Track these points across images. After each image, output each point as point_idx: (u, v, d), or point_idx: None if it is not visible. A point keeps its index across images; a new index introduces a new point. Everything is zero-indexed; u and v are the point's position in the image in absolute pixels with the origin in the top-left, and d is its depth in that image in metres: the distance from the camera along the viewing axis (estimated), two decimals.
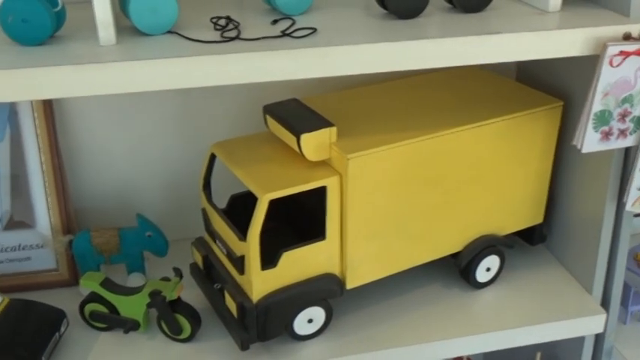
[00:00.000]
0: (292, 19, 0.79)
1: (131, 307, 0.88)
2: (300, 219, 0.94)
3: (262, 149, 0.87)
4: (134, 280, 0.97)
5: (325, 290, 0.85)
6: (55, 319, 0.87)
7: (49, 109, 0.95)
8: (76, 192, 1.03)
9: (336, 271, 0.86)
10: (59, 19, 0.74)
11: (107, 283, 0.89)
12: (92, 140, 1.02)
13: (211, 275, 0.91)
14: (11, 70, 0.66)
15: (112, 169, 1.04)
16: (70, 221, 0.99)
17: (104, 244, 0.95)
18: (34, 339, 0.83)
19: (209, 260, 0.90)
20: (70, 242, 0.96)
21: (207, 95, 1.02)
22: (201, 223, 0.95)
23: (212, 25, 0.78)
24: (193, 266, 0.95)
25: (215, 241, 0.88)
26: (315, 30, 0.75)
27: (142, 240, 0.96)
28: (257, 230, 0.77)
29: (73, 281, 1.00)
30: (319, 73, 0.72)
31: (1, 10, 0.69)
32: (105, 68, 0.68)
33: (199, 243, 0.93)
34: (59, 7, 0.72)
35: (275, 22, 0.79)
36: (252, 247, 0.78)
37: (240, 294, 0.82)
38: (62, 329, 0.87)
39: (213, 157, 0.89)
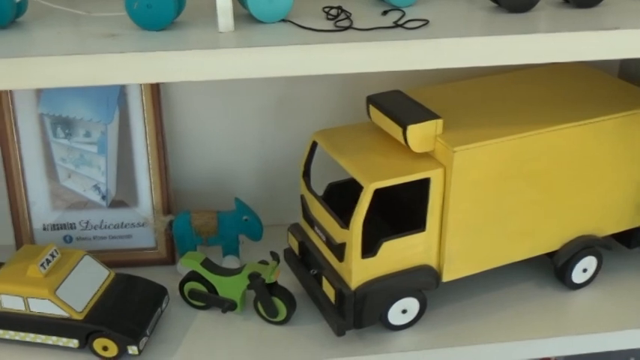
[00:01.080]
0: (402, 11, 0.79)
1: (230, 287, 0.90)
2: (392, 209, 0.94)
3: (364, 139, 0.87)
4: (229, 262, 1.00)
5: (421, 282, 0.86)
6: (157, 294, 0.90)
7: (156, 92, 0.98)
8: (175, 174, 1.07)
9: (433, 263, 0.86)
10: (180, 5, 0.76)
11: (207, 263, 0.91)
12: (193, 124, 1.05)
13: (306, 261, 0.93)
14: (137, 53, 0.69)
15: (211, 153, 1.07)
16: (170, 202, 1.02)
17: (203, 226, 0.98)
18: (139, 312, 0.86)
19: (305, 246, 0.92)
20: (171, 222, 0.99)
21: (307, 83, 1.04)
22: (294, 210, 0.97)
23: (324, 14, 0.79)
24: (287, 251, 0.97)
25: (313, 228, 0.90)
26: (427, 22, 0.75)
27: (238, 223, 0.99)
28: (360, 219, 0.79)
29: (170, 260, 1.03)
30: (432, 64, 0.72)
31: None
32: (224, 54, 0.70)
33: (295, 229, 0.95)
34: None
35: (385, 13, 0.79)
36: (354, 235, 0.79)
37: (338, 281, 0.84)
38: (163, 305, 0.90)
39: (314, 145, 0.90)
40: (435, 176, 0.80)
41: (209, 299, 0.92)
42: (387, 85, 0.97)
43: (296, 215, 0.98)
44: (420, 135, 0.80)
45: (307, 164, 0.91)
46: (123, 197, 1.02)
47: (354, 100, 1.03)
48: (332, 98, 1.05)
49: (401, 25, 0.75)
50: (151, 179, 1.01)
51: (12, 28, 0.76)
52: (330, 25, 0.76)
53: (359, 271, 0.82)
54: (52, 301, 0.82)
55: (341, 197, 0.92)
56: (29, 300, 0.82)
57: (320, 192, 0.94)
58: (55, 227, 1.02)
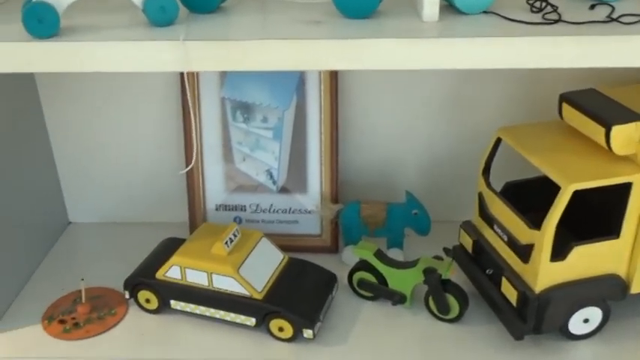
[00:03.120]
0: (611, 6, 0.75)
1: (401, 280, 0.90)
2: (576, 212, 0.90)
3: (554, 137, 0.84)
4: (393, 254, 0.99)
5: (607, 291, 0.82)
6: (328, 281, 0.91)
7: (334, 82, 0.99)
8: (343, 163, 1.07)
9: (622, 272, 0.81)
10: None
11: (380, 254, 0.91)
12: (365, 115, 1.05)
13: (479, 260, 0.91)
14: (342, 40, 0.69)
15: (380, 145, 1.07)
16: (337, 191, 1.03)
17: (371, 217, 0.98)
18: (314, 297, 0.87)
19: (479, 245, 0.90)
20: (339, 211, 1.00)
21: (483, 79, 1.01)
22: (459, 206, 0.94)
23: (528, 7, 0.76)
24: (457, 248, 0.95)
25: (492, 227, 0.87)
26: None
27: (407, 217, 0.98)
28: (555, 220, 0.75)
29: (334, 248, 1.04)
30: None
31: None
32: (430, 44, 0.69)
33: (469, 226, 0.93)
34: None
35: (593, 7, 0.76)
36: (546, 237, 0.76)
37: (521, 283, 0.81)
38: (334, 292, 0.91)
39: (498, 141, 0.88)
40: (637, 181, 0.76)
41: (378, 290, 0.92)
42: (565, 83, 0.93)
43: (461, 213, 0.97)
44: (624, 137, 0.76)
45: (488, 161, 0.89)
46: (293, 183, 1.03)
47: (530, 98, 1.00)
48: (507, 95, 1.02)
49: (616, 20, 0.71)
50: (321, 167, 1.02)
51: (219, 12, 0.78)
52: (536, 17, 0.73)
53: (545, 274, 0.78)
54: (236, 279, 0.84)
55: (517, 197, 0.89)
56: (213, 276, 0.85)
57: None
58: (227, 208, 1.05)
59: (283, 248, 1.01)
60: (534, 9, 0.75)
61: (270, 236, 1.02)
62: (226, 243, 0.86)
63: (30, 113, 1.02)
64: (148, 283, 0.89)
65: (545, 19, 0.72)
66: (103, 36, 0.70)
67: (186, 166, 1.03)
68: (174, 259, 0.87)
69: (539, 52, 0.68)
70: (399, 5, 0.78)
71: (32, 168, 1.02)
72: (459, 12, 0.75)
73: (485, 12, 0.75)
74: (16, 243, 0.96)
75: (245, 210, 1.05)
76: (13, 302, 0.95)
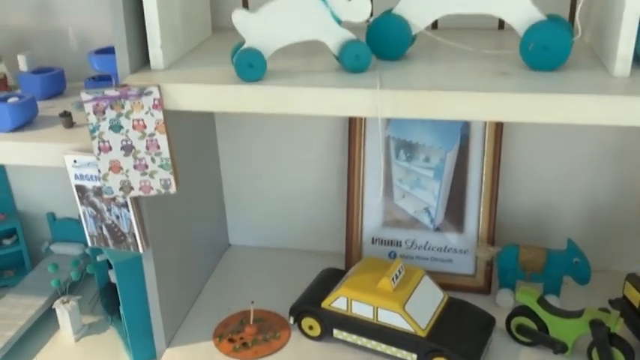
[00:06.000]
0: None
1: (564, 329, 0.89)
2: None
3: None
4: (549, 301, 0.98)
5: None
6: (488, 323, 0.92)
7: (500, 127, 1.01)
8: (502, 205, 1.08)
9: None
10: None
11: (543, 302, 0.91)
12: (526, 159, 1.06)
13: None
14: (532, 94, 0.71)
15: (541, 190, 1.07)
16: (495, 233, 1.04)
17: (529, 262, 0.99)
18: (474, 338, 0.89)
19: None
20: (497, 254, 1.01)
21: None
22: (618, 256, 0.93)
23: None
24: (619, 301, 0.94)
25: None
26: None
27: (567, 264, 0.97)
28: None
29: (486, 289, 1.05)
30: None
31: (525, 37, 0.75)
32: (621, 100, 0.69)
33: (635, 280, 0.91)
34: (578, 36, 0.76)
35: None
36: None
37: None
38: (492, 334, 0.92)
39: None
40: None
41: (538, 337, 0.92)
42: None
43: (619, 263, 0.96)
44: None
45: None
46: (450, 222, 1.05)
47: None
48: None
49: None
50: (480, 209, 1.03)
51: (405, 59, 0.82)
52: None
53: None
54: (402, 315, 0.87)
55: None
56: (379, 310, 0.88)
57: None
58: (383, 242, 1.09)
59: None
60: None
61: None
62: (392, 279, 0.89)
63: (207, 144, 1.11)
64: (313, 311, 0.93)
65: None
66: (304, 81, 0.76)
67: (347, 199, 1.08)
68: (342, 290, 0.91)
69: None
70: (584, 58, 0.80)
71: (203, 194, 1.10)
72: None
73: None
74: (188, 262, 1.04)
75: (400, 245, 1.08)
76: (185, 317, 1.02)
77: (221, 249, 1.19)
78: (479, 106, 0.72)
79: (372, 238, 1.09)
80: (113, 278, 0.98)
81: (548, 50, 0.75)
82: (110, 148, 0.79)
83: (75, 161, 0.83)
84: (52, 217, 1.20)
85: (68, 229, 1.19)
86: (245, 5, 1.02)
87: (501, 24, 0.96)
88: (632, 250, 0.98)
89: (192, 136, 1.01)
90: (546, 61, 0.76)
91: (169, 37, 0.83)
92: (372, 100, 0.73)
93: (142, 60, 0.82)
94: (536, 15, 0.75)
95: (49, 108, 0.96)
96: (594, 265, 1.01)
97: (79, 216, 0.87)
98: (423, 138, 1.03)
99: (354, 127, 1.06)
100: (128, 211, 0.84)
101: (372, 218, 1.08)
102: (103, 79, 1.01)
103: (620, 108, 0.70)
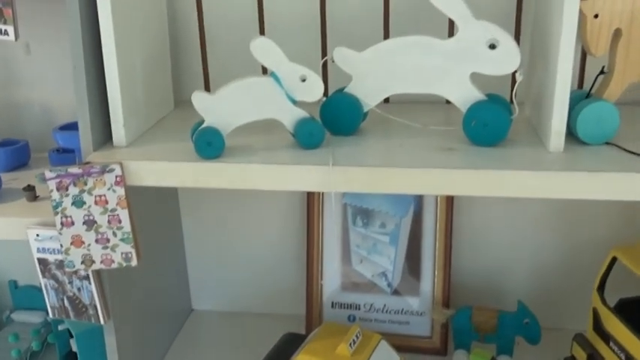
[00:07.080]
0: None
1: None
2: None
3: None
4: None
5: None
6: None
7: (451, 197, 1.05)
8: (454, 269, 1.12)
9: None
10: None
11: None
12: (477, 223, 1.10)
13: None
14: (477, 170, 0.75)
15: (490, 253, 1.12)
16: (449, 296, 1.08)
17: (482, 323, 1.02)
18: None
19: (593, 359, 0.92)
20: (451, 316, 1.04)
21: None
22: (567, 315, 0.96)
23: None
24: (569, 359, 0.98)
25: (607, 343, 0.90)
26: None
27: (518, 325, 1.01)
28: None
29: (442, 351, 1.08)
30: None
31: (466, 115, 0.81)
32: (557, 177, 0.74)
33: (582, 340, 0.95)
34: (515, 114, 0.82)
35: None
36: None
37: None
38: None
39: (613, 261, 0.91)
40: None
41: None
42: None
43: (569, 321, 1.00)
44: None
45: (603, 279, 0.92)
46: (406, 286, 1.09)
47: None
48: (618, 212, 1.06)
49: None
50: (435, 272, 1.07)
51: (357, 135, 0.87)
52: None
53: None
54: None
55: (631, 313, 0.91)
56: None
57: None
58: (342, 306, 1.11)
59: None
60: None
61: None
62: (350, 344, 0.92)
63: (169, 216, 1.13)
64: None
65: None
66: (260, 158, 0.80)
67: (307, 265, 1.11)
68: (300, 357, 0.93)
69: None
70: (524, 132, 0.85)
71: (166, 264, 1.12)
72: (581, 142, 0.81)
73: (607, 143, 0.81)
74: (150, 330, 1.05)
75: (359, 309, 1.11)
76: None
77: (184, 314, 1.21)
78: (427, 182, 0.76)
79: (332, 302, 1.12)
80: (75, 347, 0.99)
81: (488, 127, 0.80)
82: (72, 223, 0.81)
83: (37, 235, 0.85)
84: (13, 284, 1.20)
85: (30, 296, 1.19)
86: (206, 80, 1.06)
87: None
88: (580, 308, 1.02)
89: (155, 209, 1.04)
90: (487, 138, 0.81)
91: (132, 113, 0.86)
92: (326, 177, 0.77)
93: (105, 136, 0.86)
94: (476, 95, 0.81)
95: (12, 180, 0.98)
96: (545, 324, 1.05)
97: (41, 285, 0.89)
98: (379, 205, 1.08)
99: (312, 195, 1.10)
100: (90, 283, 0.86)
101: (331, 282, 1.11)
102: (67, 151, 1.03)
103: (555, 183, 0.74)
